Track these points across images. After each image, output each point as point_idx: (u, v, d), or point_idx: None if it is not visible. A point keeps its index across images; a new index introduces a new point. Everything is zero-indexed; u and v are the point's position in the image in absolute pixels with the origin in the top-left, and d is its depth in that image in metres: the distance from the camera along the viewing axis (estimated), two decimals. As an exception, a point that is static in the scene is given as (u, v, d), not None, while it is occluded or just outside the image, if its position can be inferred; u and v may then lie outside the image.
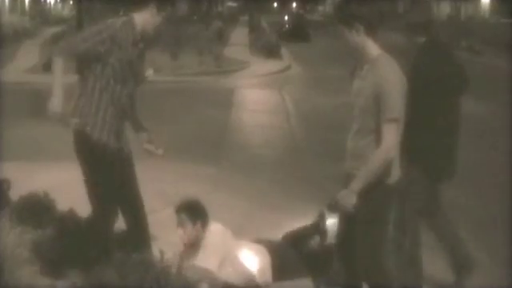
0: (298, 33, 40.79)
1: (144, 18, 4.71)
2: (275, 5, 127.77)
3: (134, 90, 4.89)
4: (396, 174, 4.17)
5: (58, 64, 4.68)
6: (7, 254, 5.32)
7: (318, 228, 5.55)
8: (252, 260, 5.16)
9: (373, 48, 4.12)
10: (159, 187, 7.62)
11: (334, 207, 4.19)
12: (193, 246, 5.18)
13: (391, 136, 3.95)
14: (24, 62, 24.25)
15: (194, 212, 5.18)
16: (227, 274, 5.02)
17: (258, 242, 5.45)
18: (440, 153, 4.93)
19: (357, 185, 4.03)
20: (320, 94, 16.95)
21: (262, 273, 5.13)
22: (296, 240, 5.56)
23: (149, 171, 7.98)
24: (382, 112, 3.95)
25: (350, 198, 4.04)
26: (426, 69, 4.82)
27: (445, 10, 55.92)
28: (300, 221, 6.79)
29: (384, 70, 4.02)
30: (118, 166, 4.83)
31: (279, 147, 11.32)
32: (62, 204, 5.92)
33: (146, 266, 4.75)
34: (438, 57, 4.94)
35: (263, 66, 24.74)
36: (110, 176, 4.78)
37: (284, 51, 30.20)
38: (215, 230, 5.17)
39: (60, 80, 4.69)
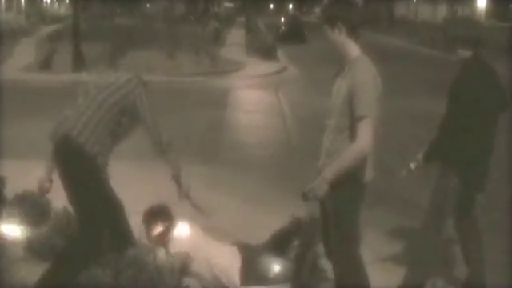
0: (294, 34, 40.83)
1: None
2: (272, 6, 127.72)
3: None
4: (370, 173, 4.32)
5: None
6: (2, 251, 5.33)
7: (299, 226, 5.51)
8: (220, 260, 5.17)
9: (353, 49, 4.26)
10: (153, 186, 7.61)
11: (307, 195, 4.28)
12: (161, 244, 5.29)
13: (365, 133, 4.05)
14: (20, 60, 24.22)
15: (162, 216, 5.40)
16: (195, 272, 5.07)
17: (236, 244, 5.44)
18: (479, 165, 5.02)
19: (329, 173, 4.15)
20: (316, 95, 16.91)
21: (228, 274, 5.11)
22: (279, 241, 5.51)
23: (143, 170, 8.00)
24: (354, 110, 4.08)
25: (322, 185, 4.16)
26: (471, 84, 4.89)
27: (441, 13, 56.07)
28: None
29: (359, 71, 4.16)
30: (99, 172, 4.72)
31: (274, 147, 11.34)
32: (57, 202, 5.91)
33: (139, 265, 4.77)
34: (484, 74, 4.99)
35: (259, 67, 24.76)
36: (99, 186, 4.70)
37: (280, 53, 30.21)
38: (182, 229, 5.23)
39: None
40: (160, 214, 5.46)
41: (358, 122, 4.07)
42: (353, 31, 4.23)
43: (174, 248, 5.08)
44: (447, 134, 4.95)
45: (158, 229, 5.33)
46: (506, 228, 6.79)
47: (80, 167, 4.59)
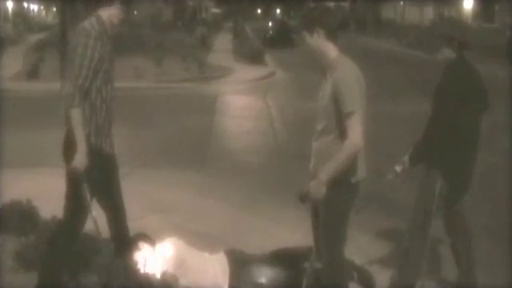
0: (281, 39, 40.87)
1: (110, 14, 4.76)
2: (259, 11, 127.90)
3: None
4: (362, 172, 4.36)
5: (76, 115, 4.45)
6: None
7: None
8: (208, 273, 5.13)
9: (332, 51, 4.35)
10: (143, 194, 7.61)
11: (304, 198, 4.34)
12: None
13: (355, 128, 4.11)
14: (7, 69, 24.12)
15: (145, 239, 5.25)
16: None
17: (228, 252, 5.39)
18: (464, 166, 5.05)
19: (325, 175, 4.20)
20: (304, 99, 16.94)
21: (215, 283, 5.09)
22: (284, 259, 5.39)
23: (133, 177, 7.99)
24: (341, 109, 4.14)
25: (319, 188, 4.23)
26: (455, 86, 4.92)
27: (428, 15, 56.33)
28: (285, 226, 6.82)
29: (340, 69, 4.24)
30: (107, 170, 4.80)
31: (263, 153, 11.32)
32: (45, 211, 5.89)
33: (128, 272, 4.75)
34: (468, 76, 5.04)
35: (247, 73, 24.74)
36: (97, 179, 4.73)
37: (268, 57, 30.24)
38: (166, 249, 5.19)
39: (82, 134, 4.46)
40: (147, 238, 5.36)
41: (346, 119, 4.11)
42: (331, 34, 4.34)
43: (160, 268, 5.06)
44: (432, 136, 4.97)
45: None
46: (496, 231, 6.82)
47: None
